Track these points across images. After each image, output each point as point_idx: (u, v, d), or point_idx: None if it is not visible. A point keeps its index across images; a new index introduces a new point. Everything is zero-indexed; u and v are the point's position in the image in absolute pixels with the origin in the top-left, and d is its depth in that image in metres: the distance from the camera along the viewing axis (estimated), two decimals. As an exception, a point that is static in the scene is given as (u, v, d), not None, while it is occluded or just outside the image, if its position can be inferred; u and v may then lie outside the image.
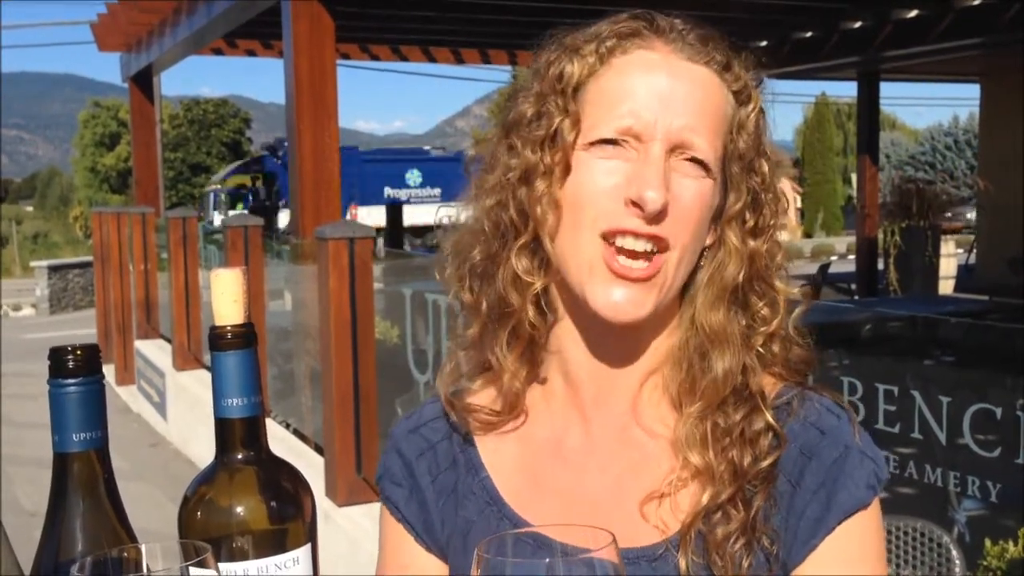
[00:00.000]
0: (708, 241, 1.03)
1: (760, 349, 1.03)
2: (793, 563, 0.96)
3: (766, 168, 1.03)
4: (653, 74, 0.98)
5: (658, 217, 0.95)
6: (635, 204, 0.95)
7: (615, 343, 1.03)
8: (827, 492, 0.96)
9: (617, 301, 0.97)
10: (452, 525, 1.08)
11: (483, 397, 1.11)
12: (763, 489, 0.97)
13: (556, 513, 1.03)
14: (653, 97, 0.97)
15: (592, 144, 0.98)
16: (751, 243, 1.02)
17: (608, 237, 0.97)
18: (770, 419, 0.99)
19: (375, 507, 4.72)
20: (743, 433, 0.98)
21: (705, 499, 0.97)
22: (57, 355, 0.79)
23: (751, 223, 1.02)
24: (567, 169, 0.99)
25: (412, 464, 1.11)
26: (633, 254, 0.96)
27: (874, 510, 0.98)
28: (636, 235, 0.96)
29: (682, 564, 0.96)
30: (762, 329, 1.03)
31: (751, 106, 1.02)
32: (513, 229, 1.03)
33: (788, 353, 1.04)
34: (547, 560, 0.61)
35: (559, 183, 0.99)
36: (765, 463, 0.97)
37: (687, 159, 0.97)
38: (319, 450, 5.33)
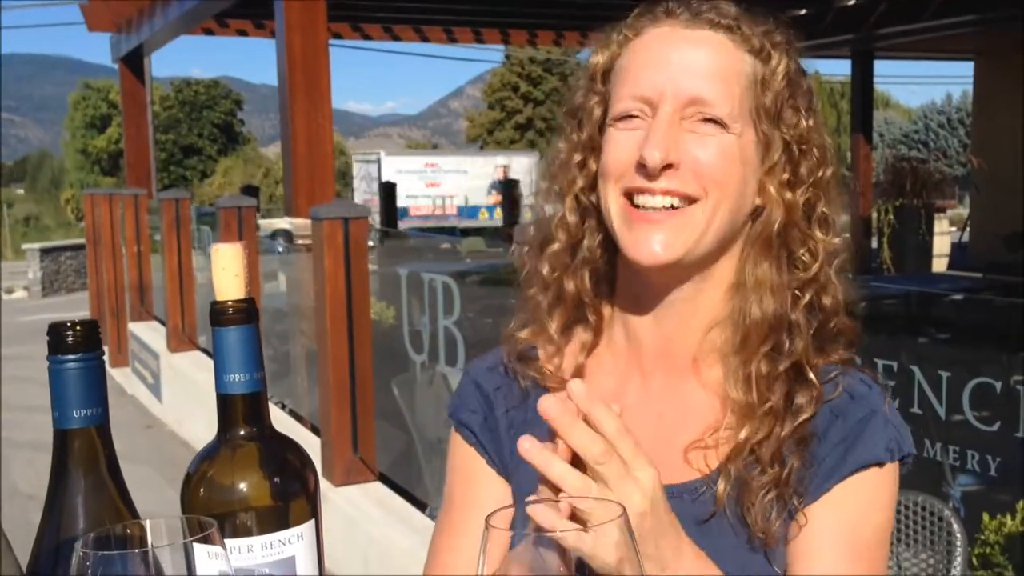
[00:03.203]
0: (758, 200, 1.08)
1: (806, 303, 1.07)
2: (806, 505, 1.04)
3: (802, 122, 1.08)
4: (660, 46, 1.07)
5: (667, 173, 1.02)
6: (641, 165, 1.03)
7: (669, 303, 1.10)
8: (847, 445, 1.04)
9: (646, 244, 1.04)
10: (517, 455, 1.14)
11: (543, 359, 1.19)
12: (800, 451, 1.04)
13: None
14: (660, 65, 1.05)
15: (617, 120, 1.07)
16: (787, 195, 1.07)
17: (629, 196, 1.06)
18: (811, 377, 1.06)
19: (372, 487, 4.74)
20: (788, 393, 1.05)
21: (742, 435, 1.04)
22: (56, 331, 0.78)
23: (787, 175, 1.08)
24: (597, 144, 1.11)
25: (490, 395, 1.19)
26: (654, 210, 1.04)
27: (889, 473, 1.05)
28: (651, 192, 1.04)
29: (720, 488, 1.04)
30: (802, 275, 1.08)
31: (774, 63, 1.07)
32: (560, 200, 1.15)
33: (839, 310, 1.09)
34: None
35: (593, 157, 1.11)
36: (803, 416, 1.04)
37: (703, 119, 1.04)
38: (315, 431, 5.33)
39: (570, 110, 1.17)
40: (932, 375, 2.52)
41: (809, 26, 11.21)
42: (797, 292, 1.08)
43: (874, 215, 13.07)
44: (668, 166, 1.02)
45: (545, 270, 1.16)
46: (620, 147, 1.06)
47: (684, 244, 1.04)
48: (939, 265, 13.76)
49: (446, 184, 27.29)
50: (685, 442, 1.08)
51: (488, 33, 12.76)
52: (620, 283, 1.15)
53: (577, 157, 1.13)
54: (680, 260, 1.05)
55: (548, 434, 1.09)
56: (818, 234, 1.08)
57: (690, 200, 1.04)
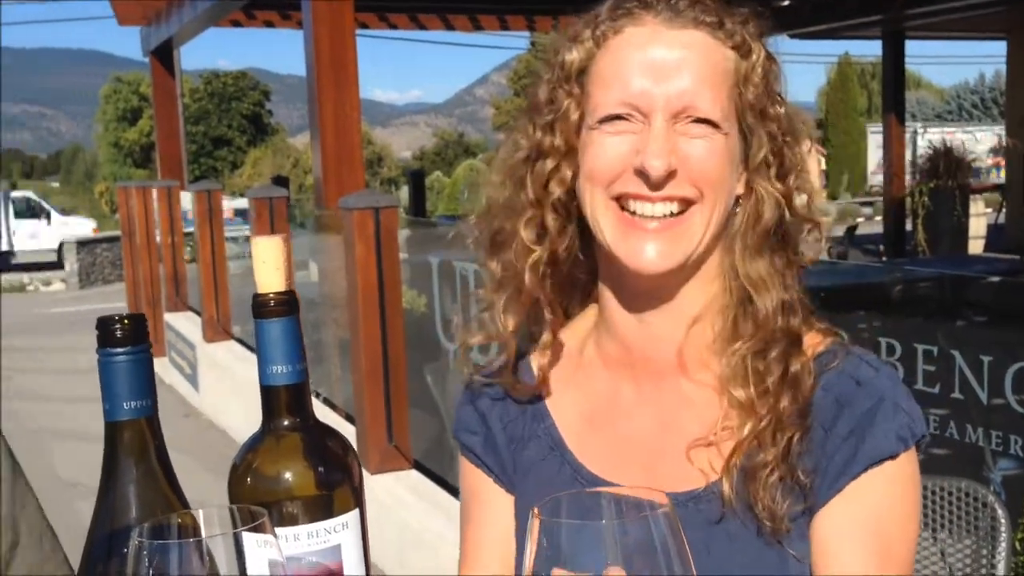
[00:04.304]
0: (740, 191, 1.08)
1: (798, 287, 1.08)
2: (819, 505, 1.01)
3: (781, 111, 1.07)
4: (645, 48, 1.03)
5: (666, 181, 1.01)
6: (641, 173, 1.02)
7: (651, 300, 1.08)
8: (856, 438, 1.01)
9: (645, 255, 1.02)
10: (519, 467, 1.17)
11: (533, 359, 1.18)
12: (798, 428, 1.01)
13: (612, 458, 1.11)
14: (648, 70, 1.03)
15: (600, 122, 1.05)
16: (780, 185, 1.07)
17: (622, 201, 1.04)
18: (808, 359, 1.04)
19: (407, 475, 4.77)
20: (784, 372, 1.03)
21: (746, 431, 1.02)
22: (105, 325, 0.79)
23: (775, 167, 1.07)
24: (573, 148, 1.08)
25: (486, 414, 1.20)
26: (652, 219, 1.03)
27: (905, 463, 1.02)
28: (650, 200, 1.02)
29: (725, 488, 1.02)
30: (803, 260, 1.09)
31: (754, 57, 1.06)
32: (521, 204, 1.11)
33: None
34: (603, 521, 0.61)
35: (565, 162, 1.08)
36: (801, 400, 1.02)
37: (693, 120, 1.02)
38: (350, 419, 5.37)
39: (535, 106, 1.12)
40: (973, 359, 2.49)
41: (839, 6, 11.07)
42: (792, 276, 1.08)
43: (908, 197, 12.92)
44: (669, 174, 1.01)
45: (499, 267, 1.14)
46: (609, 152, 1.04)
47: (684, 252, 1.03)
48: (975, 247, 13.58)
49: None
50: (683, 442, 1.06)
51: (513, 20, 12.72)
52: (601, 286, 1.13)
53: (550, 163, 1.09)
54: (679, 267, 1.04)
55: (548, 448, 1.13)
56: (817, 216, 1.09)
57: (687, 204, 1.03)
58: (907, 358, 2.65)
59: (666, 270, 1.03)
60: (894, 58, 13.28)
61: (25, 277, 21.09)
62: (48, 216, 26.14)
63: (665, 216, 1.02)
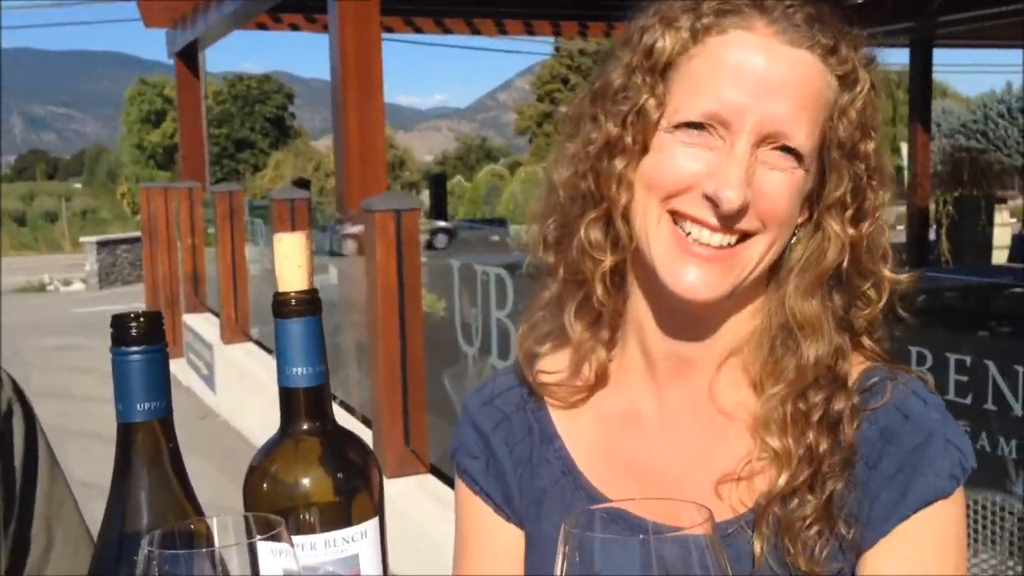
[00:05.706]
0: (800, 220, 0.99)
1: (858, 334, 1.00)
2: (864, 547, 0.94)
3: (871, 148, 0.98)
4: (748, 58, 0.93)
5: (735, 215, 0.93)
6: (710, 200, 0.93)
7: (691, 321, 1.01)
8: (905, 478, 0.93)
9: (691, 281, 0.94)
10: (529, 494, 1.09)
11: (555, 362, 1.10)
12: (840, 474, 0.94)
13: (631, 486, 1.03)
14: (746, 84, 0.92)
15: (677, 127, 0.95)
16: (851, 230, 0.98)
17: (680, 220, 0.96)
18: (855, 402, 0.96)
19: (424, 479, 4.74)
20: (824, 417, 0.96)
21: (781, 482, 0.94)
22: (120, 322, 0.76)
23: (852, 209, 0.98)
24: (646, 149, 0.97)
25: (488, 436, 1.11)
26: (706, 247, 0.94)
27: (956, 501, 0.95)
28: (709, 228, 0.94)
29: (757, 547, 0.94)
30: (865, 312, 1.00)
31: (858, 88, 0.96)
32: (588, 201, 1.01)
33: (882, 335, 1.02)
34: (641, 537, 0.58)
35: (635, 163, 0.97)
36: (843, 448, 0.95)
37: (778, 148, 0.93)
38: (366, 422, 5.36)
39: (605, 90, 1.00)
40: (999, 368, 2.44)
41: (868, 13, 10.98)
42: (858, 328, 1.00)
43: (932, 206, 12.82)
44: (740, 209, 0.92)
45: (561, 267, 1.05)
46: (678, 164, 0.94)
47: (732, 282, 0.95)
48: (999, 257, 13.45)
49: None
50: (711, 475, 0.99)
51: (539, 24, 12.71)
52: (634, 295, 1.04)
53: (619, 163, 0.97)
54: (725, 297, 0.96)
55: (560, 473, 1.05)
56: (884, 270, 1.00)
57: (746, 235, 0.95)
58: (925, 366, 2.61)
59: (711, 299, 0.95)
60: (922, 66, 13.18)
61: (46, 277, 21.27)
62: None
63: (721, 246, 0.95)
